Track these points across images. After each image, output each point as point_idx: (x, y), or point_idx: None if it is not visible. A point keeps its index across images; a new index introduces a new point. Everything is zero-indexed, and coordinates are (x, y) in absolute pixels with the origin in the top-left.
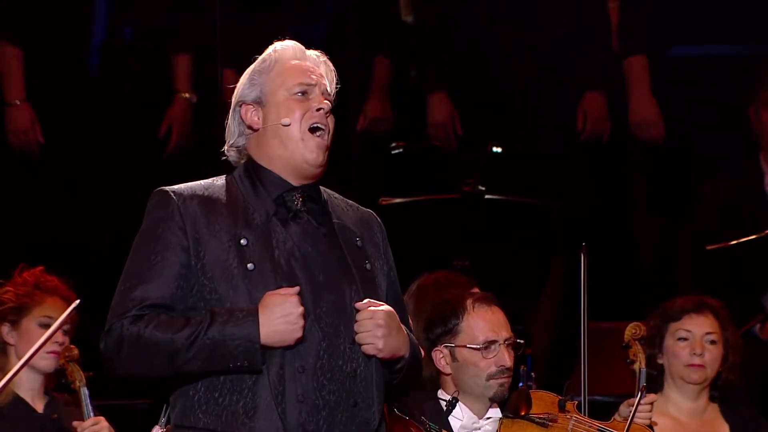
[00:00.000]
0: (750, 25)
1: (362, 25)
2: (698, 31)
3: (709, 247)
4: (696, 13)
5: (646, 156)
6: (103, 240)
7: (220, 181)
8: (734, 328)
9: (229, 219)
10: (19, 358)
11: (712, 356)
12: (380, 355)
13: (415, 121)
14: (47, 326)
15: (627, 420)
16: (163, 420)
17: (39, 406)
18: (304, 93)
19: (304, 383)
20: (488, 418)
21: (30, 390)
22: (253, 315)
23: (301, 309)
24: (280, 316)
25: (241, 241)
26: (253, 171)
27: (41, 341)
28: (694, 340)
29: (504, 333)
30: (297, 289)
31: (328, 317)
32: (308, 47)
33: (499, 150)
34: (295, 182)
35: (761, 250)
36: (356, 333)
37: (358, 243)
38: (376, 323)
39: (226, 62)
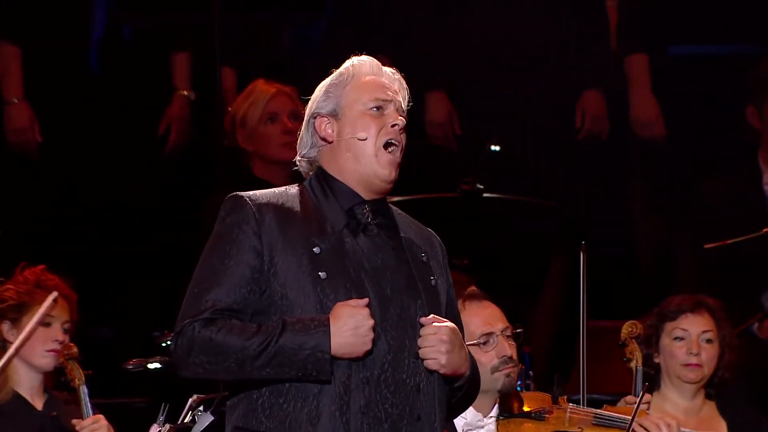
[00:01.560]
0: (748, 25)
1: (362, 24)
2: (697, 30)
3: (707, 246)
4: (695, 12)
5: (645, 154)
6: (103, 239)
7: (293, 189)
8: (731, 326)
9: (303, 227)
10: (20, 358)
11: (708, 355)
12: (442, 371)
13: (414, 121)
14: (48, 324)
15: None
16: (161, 418)
17: (38, 404)
18: (379, 108)
19: (367, 395)
20: (492, 417)
21: (29, 388)
22: (325, 325)
23: (371, 322)
24: (351, 328)
25: (315, 249)
26: (325, 182)
27: (26, 331)
28: (691, 340)
29: (500, 324)
30: (366, 300)
31: (394, 330)
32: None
33: (497, 148)
34: (365, 196)
35: (759, 249)
36: (420, 348)
37: (424, 258)
38: (440, 338)
39: (224, 61)
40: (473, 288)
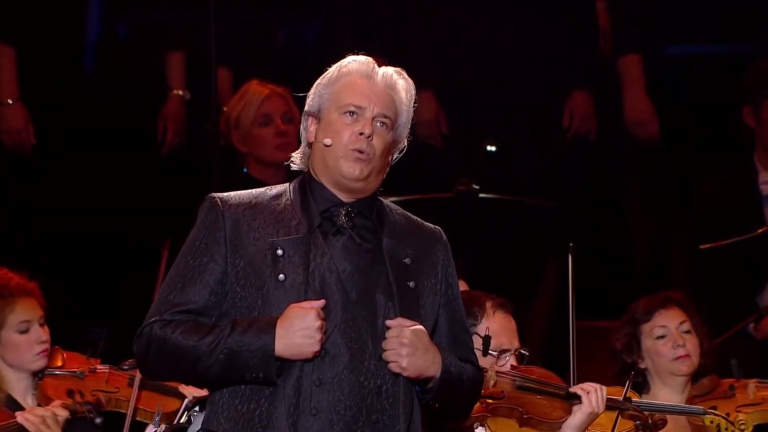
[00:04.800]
0: (743, 24)
1: (354, 24)
2: (691, 30)
3: (702, 246)
4: (689, 12)
5: (641, 154)
6: (98, 239)
7: (274, 190)
8: (699, 316)
9: (271, 228)
10: (7, 366)
11: (692, 345)
12: (405, 374)
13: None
14: (26, 331)
15: None
16: (157, 419)
17: (31, 404)
18: (353, 114)
19: (319, 397)
20: None
21: (22, 389)
22: (272, 326)
23: (319, 323)
24: (299, 329)
25: (278, 252)
26: (307, 183)
27: None
28: (673, 334)
29: (516, 342)
30: (321, 302)
31: (355, 333)
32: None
33: (493, 149)
34: (344, 197)
35: (755, 249)
36: (384, 350)
37: (407, 261)
38: (400, 341)
39: (220, 60)
40: (504, 299)
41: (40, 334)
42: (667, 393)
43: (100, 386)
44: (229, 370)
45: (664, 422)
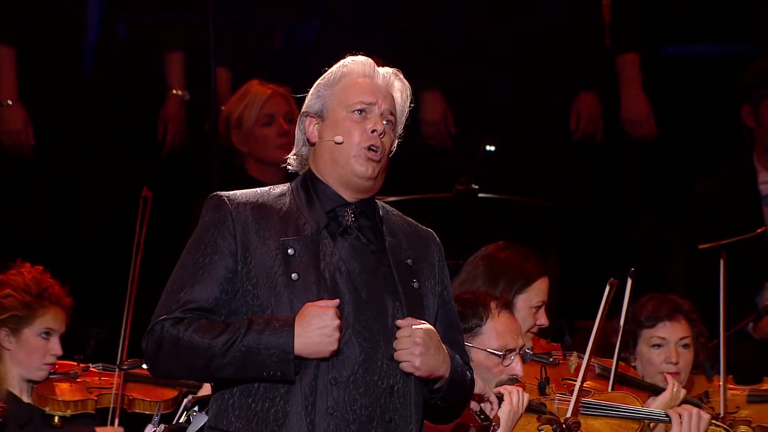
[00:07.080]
0: (742, 24)
1: (356, 23)
2: (690, 30)
3: (701, 246)
4: (689, 11)
5: (640, 154)
6: (97, 239)
7: (277, 189)
8: (702, 323)
9: (280, 228)
10: (15, 364)
11: (685, 360)
12: (417, 373)
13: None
14: (48, 335)
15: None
16: (156, 419)
17: (28, 399)
18: (362, 111)
19: (336, 396)
20: None
21: (20, 389)
22: (290, 325)
23: (337, 322)
24: (316, 328)
25: (289, 251)
26: (310, 183)
27: None
28: (669, 348)
29: (520, 341)
30: (336, 302)
31: (368, 332)
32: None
33: (492, 148)
34: (348, 197)
35: (754, 249)
36: (395, 350)
37: (409, 262)
38: (413, 341)
39: (219, 60)
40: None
41: (57, 347)
42: (649, 399)
43: (95, 384)
44: (246, 368)
45: (578, 425)
